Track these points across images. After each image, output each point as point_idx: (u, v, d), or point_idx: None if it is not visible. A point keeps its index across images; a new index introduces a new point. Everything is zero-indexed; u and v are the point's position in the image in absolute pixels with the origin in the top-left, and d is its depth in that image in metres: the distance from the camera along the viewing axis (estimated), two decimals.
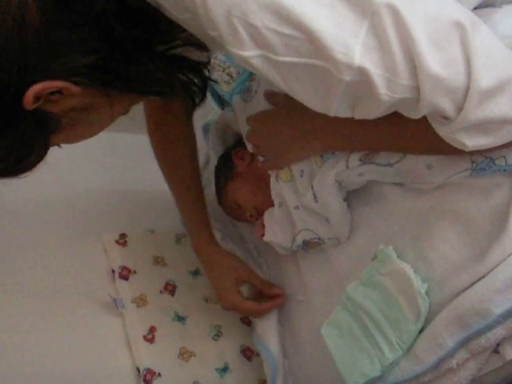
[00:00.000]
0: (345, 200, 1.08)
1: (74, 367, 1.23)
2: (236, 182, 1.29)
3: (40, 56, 0.69)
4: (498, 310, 0.83)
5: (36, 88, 0.70)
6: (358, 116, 0.77)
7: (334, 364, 1.04)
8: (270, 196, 1.17)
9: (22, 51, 0.67)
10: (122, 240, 1.45)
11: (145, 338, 1.30)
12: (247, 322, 1.40)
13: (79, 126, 0.82)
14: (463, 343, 0.87)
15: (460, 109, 0.70)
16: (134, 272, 1.40)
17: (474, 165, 0.89)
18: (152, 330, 1.32)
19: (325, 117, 0.79)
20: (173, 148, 1.23)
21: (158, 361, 1.28)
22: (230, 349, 1.36)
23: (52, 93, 0.72)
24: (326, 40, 0.65)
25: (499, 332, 0.83)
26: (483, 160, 0.87)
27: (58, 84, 0.72)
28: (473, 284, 0.87)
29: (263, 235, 1.22)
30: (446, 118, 0.73)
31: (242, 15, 0.66)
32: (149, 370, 1.25)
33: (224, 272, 1.27)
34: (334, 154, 1.02)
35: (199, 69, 0.75)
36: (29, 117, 0.73)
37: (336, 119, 0.81)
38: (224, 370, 1.33)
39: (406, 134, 0.88)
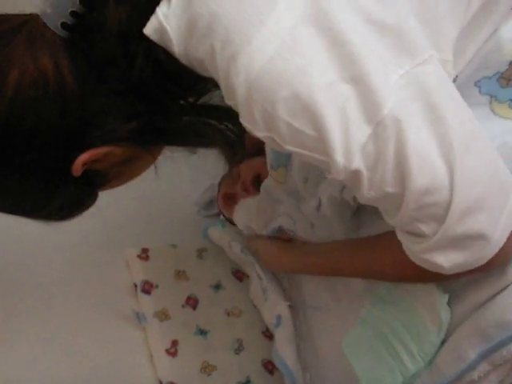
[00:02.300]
0: (355, 214, 1.09)
1: (96, 381, 1.24)
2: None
3: (82, 127, 0.71)
4: None
5: (83, 158, 0.73)
6: None
7: (355, 377, 1.05)
8: None
9: (65, 126, 0.70)
10: (144, 255, 1.46)
11: (167, 351, 1.31)
12: (269, 336, 1.40)
13: (124, 175, 0.86)
14: (485, 355, 0.86)
15: (440, 224, 0.71)
16: (156, 286, 1.40)
17: None
18: (174, 343, 1.32)
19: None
20: None
21: (180, 374, 1.28)
22: (252, 363, 1.36)
23: None
24: (334, 143, 0.66)
25: None
26: None
27: (102, 150, 0.74)
28: (494, 296, 0.87)
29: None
30: (421, 235, 0.74)
31: (260, 100, 0.67)
32: None
33: None
34: None
35: (235, 116, 0.77)
36: (77, 180, 0.76)
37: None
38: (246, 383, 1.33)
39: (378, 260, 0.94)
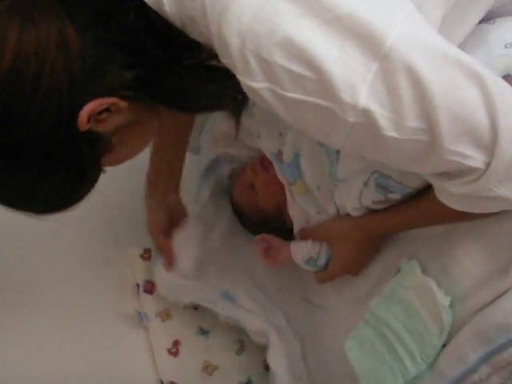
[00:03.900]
0: None
1: (98, 380, 1.25)
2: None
3: (86, 76, 0.70)
4: None
5: (89, 107, 0.71)
6: (371, 159, 0.80)
7: (357, 379, 1.05)
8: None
9: (68, 74, 0.69)
10: (147, 255, 1.46)
11: (169, 351, 1.31)
12: None
13: (127, 145, 0.83)
14: (486, 358, 0.87)
15: (490, 153, 0.68)
16: None
17: None
18: (176, 343, 1.33)
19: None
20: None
21: (182, 374, 1.28)
22: (253, 363, 1.36)
23: (100, 113, 0.74)
24: (335, 81, 0.65)
25: None
26: None
27: (107, 100, 0.73)
28: (495, 299, 0.87)
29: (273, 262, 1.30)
30: (471, 172, 0.71)
31: (254, 49, 0.67)
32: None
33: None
34: (338, 177, 1.04)
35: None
36: (81, 140, 0.74)
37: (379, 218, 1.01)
38: None
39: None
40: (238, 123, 0.87)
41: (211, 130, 1.43)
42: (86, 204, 1.43)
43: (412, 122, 0.67)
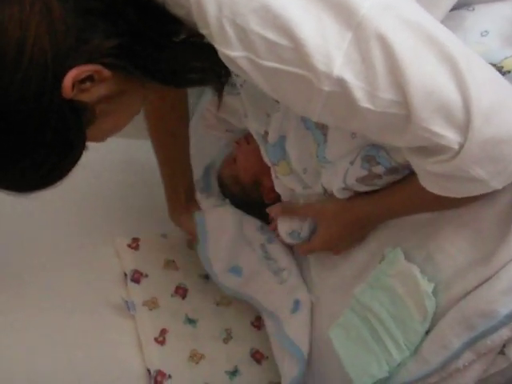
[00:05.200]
0: None
1: (86, 368, 1.25)
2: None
3: (69, 42, 0.70)
4: (503, 311, 0.83)
5: (73, 73, 0.70)
6: (349, 129, 0.80)
7: (342, 365, 1.06)
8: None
9: (52, 40, 0.68)
10: (135, 244, 1.46)
11: (156, 340, 1.31)
12: (257, 325, 1.42)
13: (112, 116, 0.82)
14: (469, 344, 0.87)
15: (464, 133, 0.68)
16: (146, 275, 1.41)
17: None
18: (163, 332, 1.33)
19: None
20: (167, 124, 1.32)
21: (169, 363, 1.29)
22: (240, 352, 1.38)
23: (83, 81, 0.73)
24: (310, 49, 0.66)
25: (505, 333, 0.84)
26: None
27: (91, 67, 0.72)
28: (479, 286, 0.88)
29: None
30: (446, 149, 0.70)
31: (231, 16, 0.67)
32: (159, 372, 1.26)
33: None
34: (327, 159, 1.04)
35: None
36: (66, 110, 0.73)
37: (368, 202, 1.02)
38: (234, 372, 1.34)
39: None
40: (220, 98, 0.88)
41: (203, 114, 1.43)
42: (75, 193, 1.45)
43: (386, 93, 0.67)
